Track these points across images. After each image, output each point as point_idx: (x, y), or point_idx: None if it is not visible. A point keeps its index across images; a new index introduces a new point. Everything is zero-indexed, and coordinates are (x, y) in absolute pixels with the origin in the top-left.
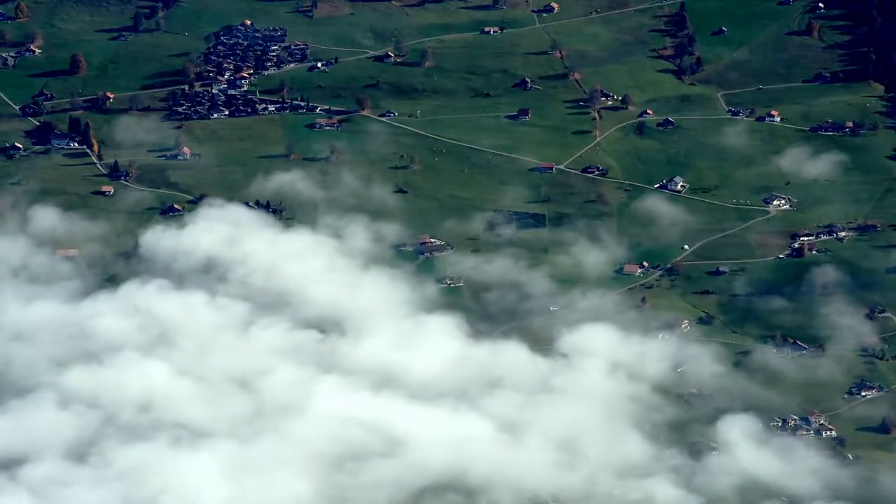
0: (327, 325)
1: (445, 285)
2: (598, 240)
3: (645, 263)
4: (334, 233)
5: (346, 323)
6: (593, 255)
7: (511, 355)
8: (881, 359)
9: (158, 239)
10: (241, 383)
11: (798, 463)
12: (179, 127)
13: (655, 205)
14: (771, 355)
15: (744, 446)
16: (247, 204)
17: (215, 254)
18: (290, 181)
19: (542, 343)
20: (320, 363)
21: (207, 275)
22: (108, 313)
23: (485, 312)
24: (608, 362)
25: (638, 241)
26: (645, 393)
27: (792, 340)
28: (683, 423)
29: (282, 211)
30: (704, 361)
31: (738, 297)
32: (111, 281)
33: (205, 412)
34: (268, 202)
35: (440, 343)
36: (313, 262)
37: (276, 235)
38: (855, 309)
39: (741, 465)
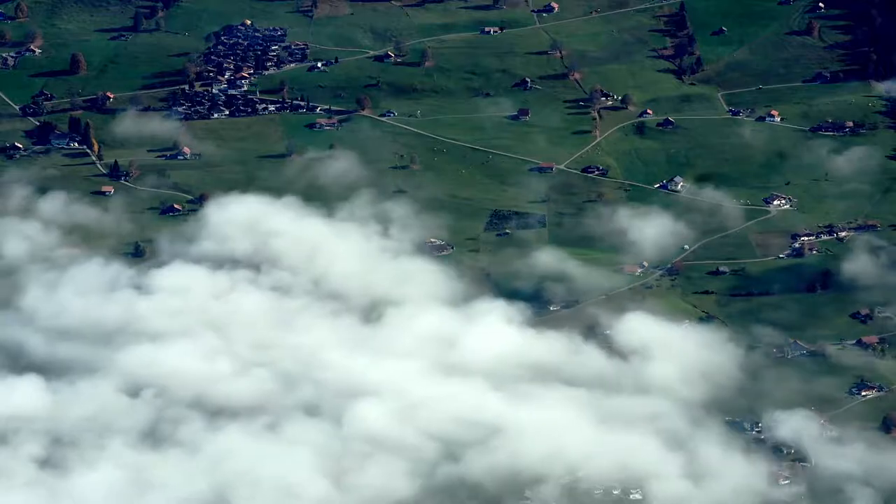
0: (373, 313)
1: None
2: (598, 240)
3: (645, 263)
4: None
5: (395, 310)
6: (593, 255)
7: (567, 345)
8: (881, 359)
9: (178, 231)
10: (303, 370)
11: (871, 456)
12: (180, 127)
13: (655, 205)
14: (770, 355)
15: (812, 440)
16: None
17: (239, 244)
18: (293, 177)
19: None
20: (378, 350)
21: (235, 265)
22: (148, 301)
23: None
24: (664, 355)
25: (638, 240)
26: (693, 381)
27: (792, 340)
28: (741, 414)
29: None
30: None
31: (738, 297)
32: (128, 274)
33: (269, 398)
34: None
35: (499, 331)
36: (341, 252)
37: (300, 225)
38: (855, 309)
39: (821, 458)
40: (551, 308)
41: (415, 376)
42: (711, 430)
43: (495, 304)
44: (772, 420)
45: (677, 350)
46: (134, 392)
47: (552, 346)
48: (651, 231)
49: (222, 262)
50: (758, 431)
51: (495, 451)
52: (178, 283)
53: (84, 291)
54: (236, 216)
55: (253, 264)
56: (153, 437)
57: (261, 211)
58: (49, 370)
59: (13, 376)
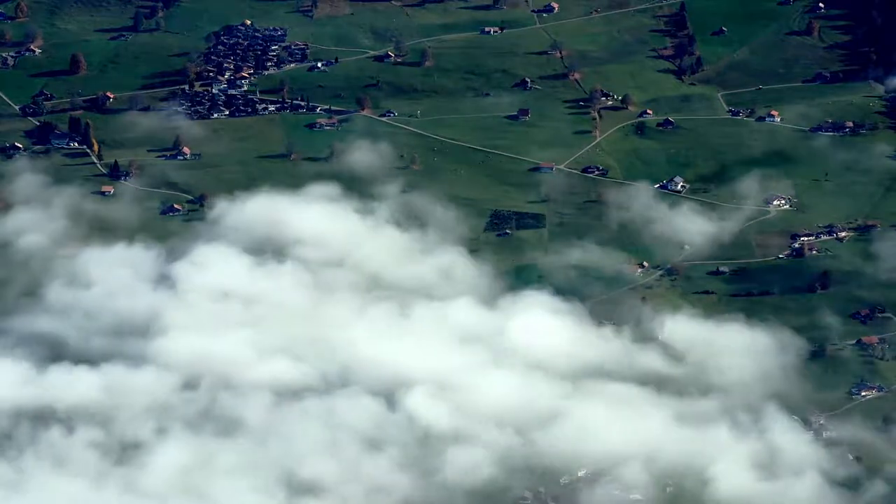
0: (411, 305)
1: None
2: (597, 240)
3: (645, 263)
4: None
5: (433, 303)
6: (593, 255)
7: (614, 338)
8: (881, 359)
9: (185, 229)
10: (352, 361)
11: None
12: (179, 127)
13: (655, 205)
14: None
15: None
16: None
17: (254, 237)
18: (295, 177)
19: None
20: (424, 341)
21: (257, 257)
22: (179, 293)
23: None
24: (699, 353)
25: (638, 240)
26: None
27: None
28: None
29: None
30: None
31: (738, 297)
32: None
33: (322, 387)
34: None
35: (544, 323)
36: (369, 247)
37: (322, 220)
38: (855, 309)
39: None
40: None
41: (468, 367)
42: (773, 427)
43: (538, 298)
44: (824, 419)
45: (708, 348)
46: (183, 381)
47: (600, 340)
48: (651, 231)
49: (245, 254)
50: (812, 430)
51: (564, 438)
52: (204, 275)
53: (110, 284)
54: (248, 212)
55: (274, 256)
56: (211, 423)
57: (275, 207)
58: (91, 360)
59: (57, 366)
